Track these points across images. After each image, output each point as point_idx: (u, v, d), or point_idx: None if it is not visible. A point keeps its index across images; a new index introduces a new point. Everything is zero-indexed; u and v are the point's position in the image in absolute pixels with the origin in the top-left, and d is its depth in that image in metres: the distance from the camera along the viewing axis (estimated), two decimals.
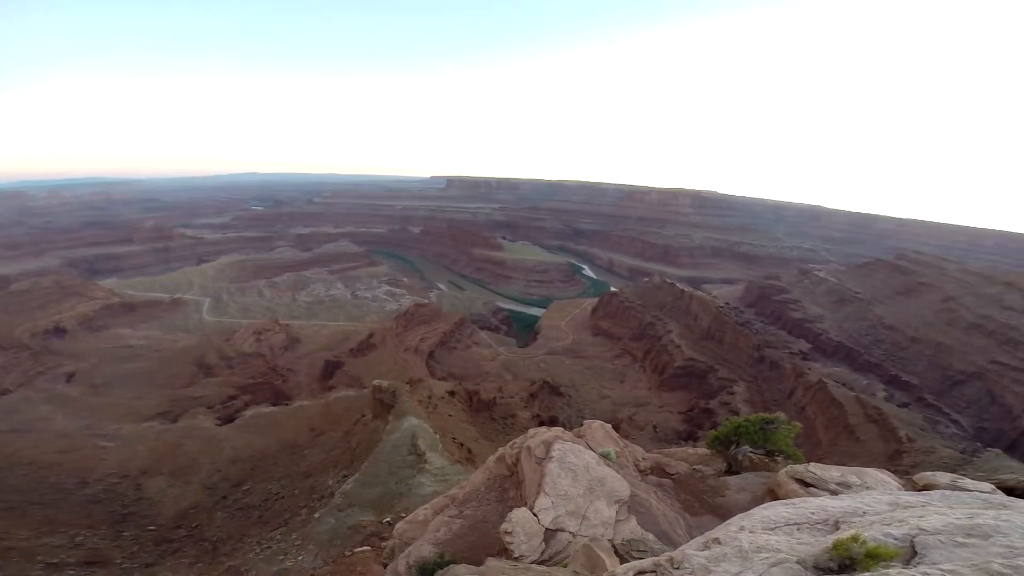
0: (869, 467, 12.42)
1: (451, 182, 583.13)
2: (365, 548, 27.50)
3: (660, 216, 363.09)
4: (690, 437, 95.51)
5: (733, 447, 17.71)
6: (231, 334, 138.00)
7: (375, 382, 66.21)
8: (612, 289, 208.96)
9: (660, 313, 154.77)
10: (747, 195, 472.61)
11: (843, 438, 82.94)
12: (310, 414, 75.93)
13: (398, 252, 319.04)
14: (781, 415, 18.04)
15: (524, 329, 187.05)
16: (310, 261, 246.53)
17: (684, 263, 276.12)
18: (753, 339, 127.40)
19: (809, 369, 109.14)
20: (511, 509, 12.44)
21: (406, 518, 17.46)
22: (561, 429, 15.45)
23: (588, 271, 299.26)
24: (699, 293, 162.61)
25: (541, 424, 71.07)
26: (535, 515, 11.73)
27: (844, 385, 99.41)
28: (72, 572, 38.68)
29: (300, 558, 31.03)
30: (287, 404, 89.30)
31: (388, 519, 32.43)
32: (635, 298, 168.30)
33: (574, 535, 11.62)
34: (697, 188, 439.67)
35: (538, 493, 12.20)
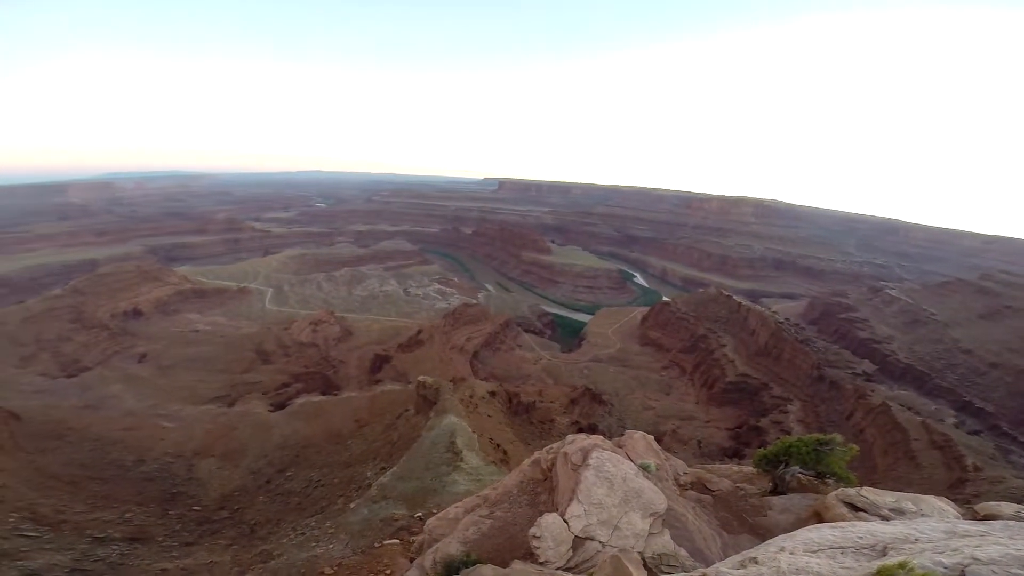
0: (928, 494, 11.42)
1: (503, 184, 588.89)
2: (394, 541, 27.57)
3: (719, 225, 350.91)
4: (736, 455, 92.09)
5: (782, 467, 16.70)
6: (289, 324, 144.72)
7: (420, 378, 67.17)
8: (664, 299, 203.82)
9: (714, 326, 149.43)
10: (816, 205, 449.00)
11: (902, 463, 79.21)
12: (356, 405, 77.90)
13: (449, 252, 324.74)
14: (837, 436, 16.86)
15: (569, 335, 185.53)
16: (367, 257, 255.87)
17: (743, 275, 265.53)
18: (813, 357, 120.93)
19: (872, 391, 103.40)
20: (542, 514, 12.24)
21: (437, 514, 17.55)
22: (601, 437, 15.08)
23: (640, 279, 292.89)
24: (757, 307, 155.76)
25: (580, 431, 70.11)
26: (566, 522, 11.50)
27: (910, 409, 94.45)
28: (115, 547, 40.02)
29: (331, 546, 31.37)
30: (336, 394, 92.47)
31: (420, 514, 32.56)
32: (688, 309, 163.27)
33: (604, 545, 11.36)
34: (761, 197, 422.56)
35: (571, 500, 11.93)
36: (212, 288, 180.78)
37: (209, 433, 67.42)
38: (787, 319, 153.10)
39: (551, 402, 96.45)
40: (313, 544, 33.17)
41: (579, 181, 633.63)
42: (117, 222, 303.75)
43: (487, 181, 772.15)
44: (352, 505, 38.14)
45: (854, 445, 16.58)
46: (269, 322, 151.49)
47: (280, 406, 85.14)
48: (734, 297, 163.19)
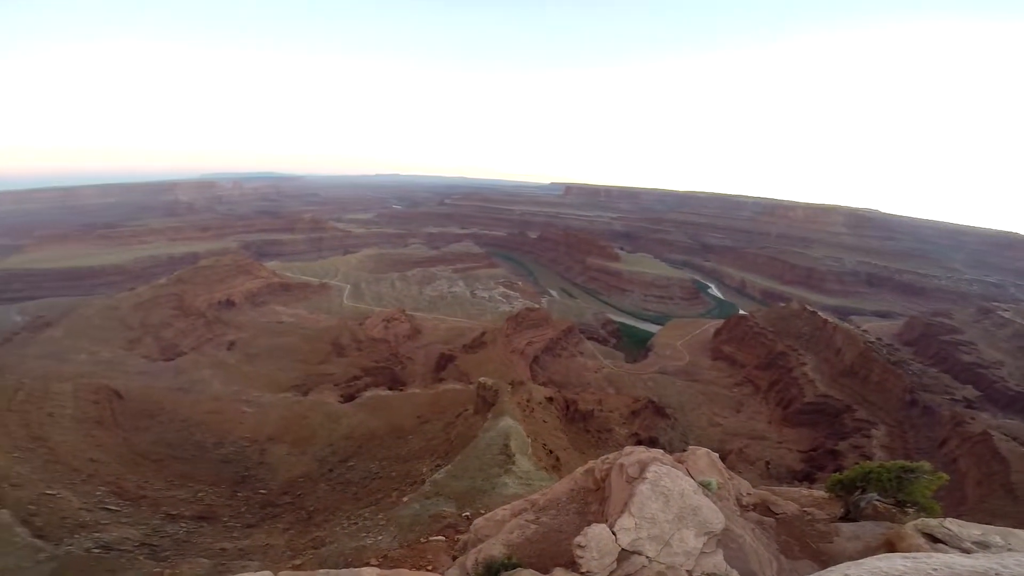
0: (1021, 528, 9.87)
1: (569, 189, 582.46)
2: (439, 538, 27.61)
3: (805, 235, 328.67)
4: (807, 478, 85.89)
5: (857, 493, 15.18)
6: (364, 319, 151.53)
7: (481, 379, 67.59)
8: (741, 312, 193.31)
9: (795, 343, 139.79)
10: (916, 216, 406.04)
11: (997, 496, 71.70)
12: (419, 402, 79.71)
13: (515, 256, 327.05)
14: (925, 464, 15.06)
15: (634, 344, 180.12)
16: (437, 258, 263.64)
17: (831, 290, 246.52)
18: (906, 380, 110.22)
19: (972, 419, 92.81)
20: (589, 524, 11.90)
21: (485, 515, 17.56)
22: (661, 451, 14.48)
23: (714, 290, 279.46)
24: (845, 325, 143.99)
25: (639, 443, 67.80)
26: (614, 533, 11.10)
27: (1015, 439, 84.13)
28: (184, 524, 42.10)
29: (379, 538, 31.90)
30: (401, 390, 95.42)
31: (468, 513, 32.64)
32: (767, 324, 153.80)
33: (650, 560, 10.85)
34: (853, 206, 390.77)
35: (622, 512, 11.50)
36: (297, 283, 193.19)
37: (283, 420, 70.76)
38: (879, 339, 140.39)
39: (610, 412, 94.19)
40: (364, 534, 33.80)
41: (651, 187, 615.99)
42: (217, 219, 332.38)
43: (552, 186, 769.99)
44: (405, 499, 38.66)
45: (943, 474, 14.75)
46: (346, 317, 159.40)
47: (349, 398, 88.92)
48: (819, 313, 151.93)
